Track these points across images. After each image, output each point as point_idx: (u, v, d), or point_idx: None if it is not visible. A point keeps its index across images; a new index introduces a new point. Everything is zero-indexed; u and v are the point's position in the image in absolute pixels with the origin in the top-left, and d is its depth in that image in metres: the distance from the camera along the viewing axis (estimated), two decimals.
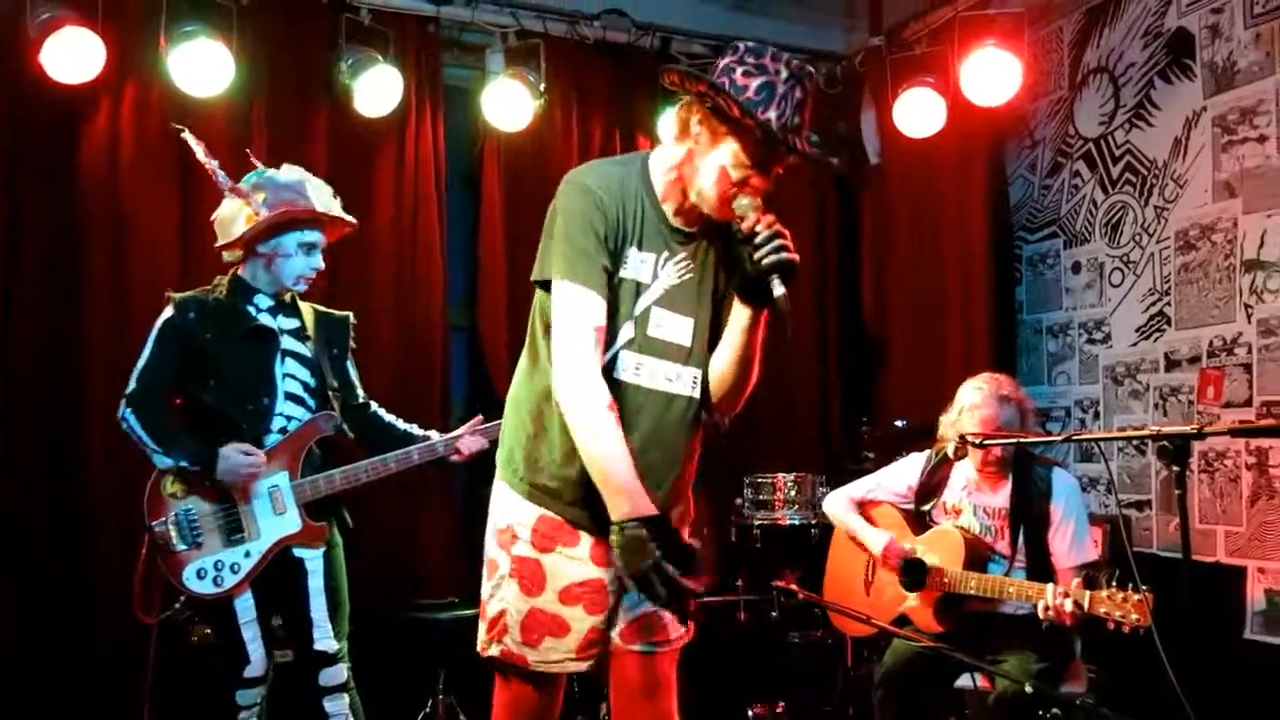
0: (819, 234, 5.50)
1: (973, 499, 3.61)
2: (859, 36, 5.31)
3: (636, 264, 2.24)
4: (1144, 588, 2.91)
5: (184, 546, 3.16)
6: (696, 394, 2.33)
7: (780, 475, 4.55)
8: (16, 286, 4.03)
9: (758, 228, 2.11)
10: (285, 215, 3.24)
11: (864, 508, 3.89)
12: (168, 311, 3.23)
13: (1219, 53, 4.09)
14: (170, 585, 3.18)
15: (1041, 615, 3.19)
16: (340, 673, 3.31)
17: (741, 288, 2.24)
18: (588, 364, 2.15)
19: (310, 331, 3.41)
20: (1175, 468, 2.54)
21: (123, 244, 4.17)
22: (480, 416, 3.60)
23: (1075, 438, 3.13)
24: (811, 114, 2.18)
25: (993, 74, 4.49)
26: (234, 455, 3.15)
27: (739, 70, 2.13)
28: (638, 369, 2.26)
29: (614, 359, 2.24)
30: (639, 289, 2.25)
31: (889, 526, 3.80)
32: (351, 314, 3.60)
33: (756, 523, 4.52)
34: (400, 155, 4.61)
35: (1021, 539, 3.50)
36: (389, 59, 4.36)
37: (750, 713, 4.01)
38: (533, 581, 2.30)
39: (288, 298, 3.38)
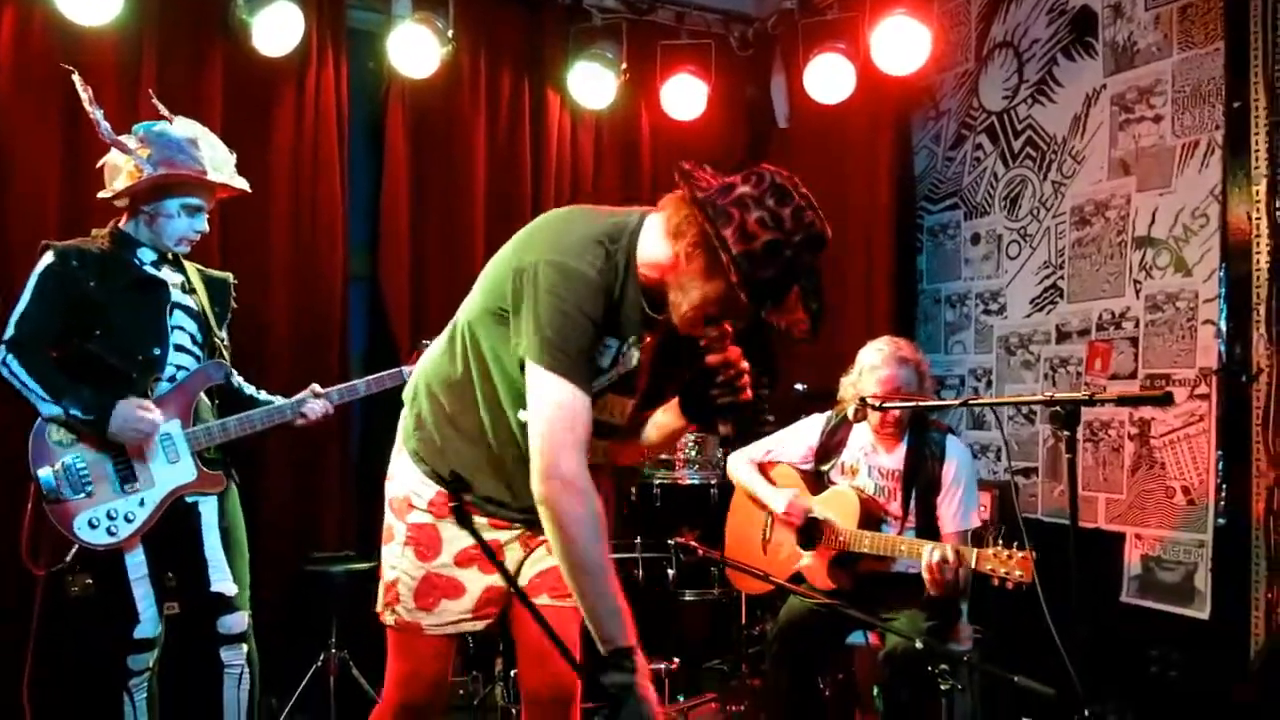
0: None
1: (869, 460, 3.68)
2: None
3: (601, 349, 2.13)
4: (1027, 545, 3.00)
5: (74, 495, 3.03)
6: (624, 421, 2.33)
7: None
8: None
9: (722, 366, 2.12)
10: (166, 178, 3.12)
11: (764, 469, 3.93)
12: (48, 258, 3.09)
13: (1120, 32, 4.19)
14: (60, 536, 3.03)
15: (925, 576, 3.27)
16: (241, 620, 3.23)
17: (686, 407, 2.25)
18: (586, 475, 2.02)
19: (195, 286, 3.32)
20: (1065, 432, 2.63)
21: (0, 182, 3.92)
22: (316, 384, 3.52)
23: (972, 402, 3.21)
24: (810, 274, 2.07)
25: (902, 43, 4.53)
26: (130, 410, 3.02)
27: (754, 214, 1.98)
28: None
29: None
30: (597, 374, 2.14)
31: (788, 486, 3.85)
32: (232, 275, 3.52)
33: (656, 482, 4.54)
34: (300, 97, 4.43)
35: (913, 501, 3.58)
36: None
37: None
38: (429, 547, 2.30)
39: (170, 255, 3.27)
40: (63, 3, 3.82)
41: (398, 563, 2.32)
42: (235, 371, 3.48)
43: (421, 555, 2.30)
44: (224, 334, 3.44)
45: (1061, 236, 4.43)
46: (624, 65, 4.88)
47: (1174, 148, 3.98)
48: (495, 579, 2.33)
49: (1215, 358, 3.81)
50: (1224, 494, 3.76)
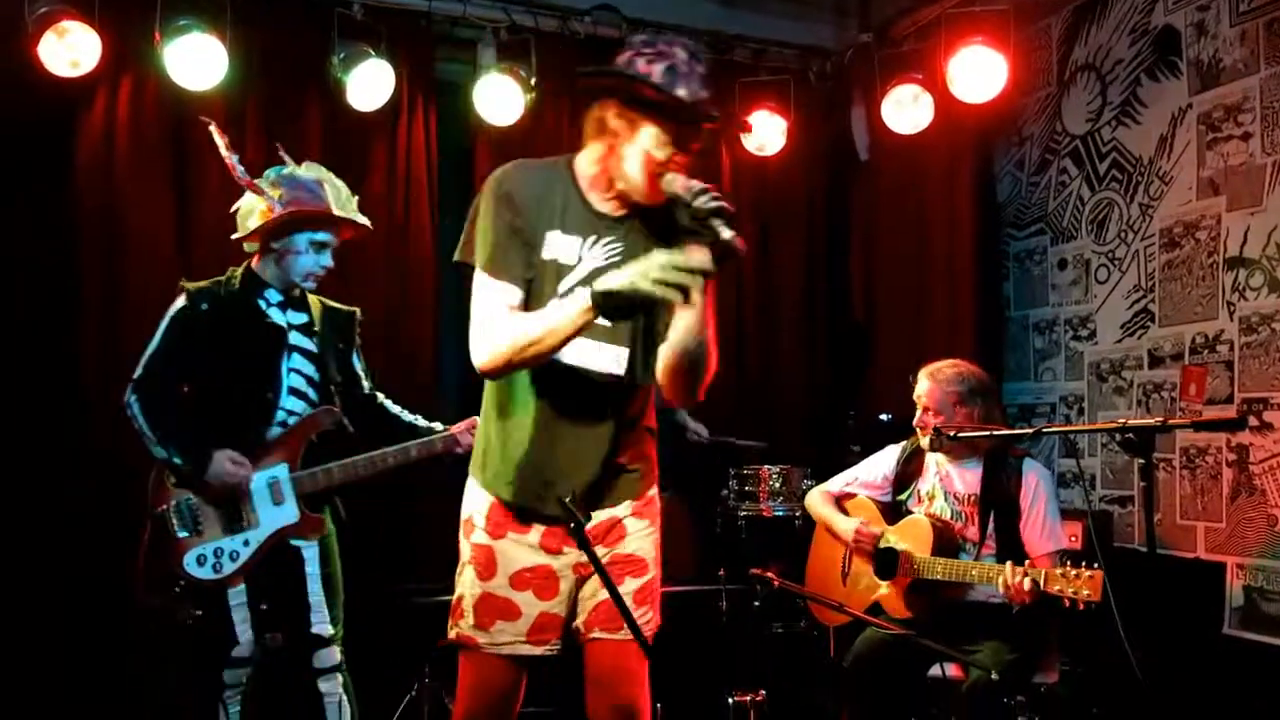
0: (809, 229, 5.52)
1: (944, 485, 3.65)
2: (849, 32, 5.32)
3: (559, 246, 2.31)
4: (1095, 564, 2.94)
5: (185, 533, 3.25)
6: (622, 371, 2.36)
7: (765, 467, 4.58)
8: (9, 280, 4.09)
9: (692, 185, 2.15)
10: (296, 214, 3.31)
11: (841, 501, 3.93)
12: (180, 301, 3.31)
13: (1204, 50, 4.11)
14: (171, 570, 3.24)
15: (1002, 593, 3.22)
16: (334, 654, 3.40)
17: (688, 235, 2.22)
18: (499, 335, 2.23)
19: (317, 326, 3.48)
20: (1139, 460, 2.59)
21: (116, 238, 4.24)
22: (475, 417, 3.63)
23: (1045, 430, 3.15)
24: (711, 86, 2.24)
25: (979, 71, 4.51)
26: (223, 462, 3.22)
27: (640, 61, 2.20)
28: None
29: None
30: (561, 270, 2.31)
31: (864, 518, 3.84)
32: (359, 309, 3.68)
33: (741, 514, 4.56)
34: (392, 148, 4.66)
35: (991, 526, 3.53)
36: (380, 53, 4.40)
37: (731, 700, 4.04)
38: (486, 567, 2.42)
39: (296, 292, 3.45)
40: (173, 71, 4.10)
41: (463, 580, 2.46)
42: (382, 396, 3.67)
43: (481, 575, 2.42)
44: (358, 362, 3.62)
45: (1151, 259, 4.34)
46: None
47: (1264, 165, 3.88)
48: (550, 605, 2.42)
49: None
50: None
